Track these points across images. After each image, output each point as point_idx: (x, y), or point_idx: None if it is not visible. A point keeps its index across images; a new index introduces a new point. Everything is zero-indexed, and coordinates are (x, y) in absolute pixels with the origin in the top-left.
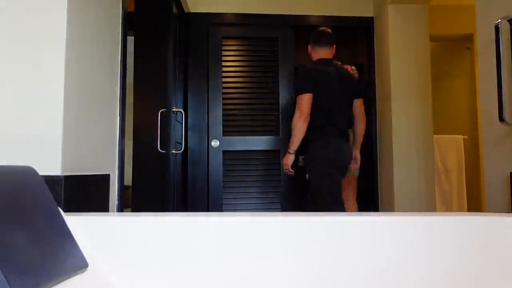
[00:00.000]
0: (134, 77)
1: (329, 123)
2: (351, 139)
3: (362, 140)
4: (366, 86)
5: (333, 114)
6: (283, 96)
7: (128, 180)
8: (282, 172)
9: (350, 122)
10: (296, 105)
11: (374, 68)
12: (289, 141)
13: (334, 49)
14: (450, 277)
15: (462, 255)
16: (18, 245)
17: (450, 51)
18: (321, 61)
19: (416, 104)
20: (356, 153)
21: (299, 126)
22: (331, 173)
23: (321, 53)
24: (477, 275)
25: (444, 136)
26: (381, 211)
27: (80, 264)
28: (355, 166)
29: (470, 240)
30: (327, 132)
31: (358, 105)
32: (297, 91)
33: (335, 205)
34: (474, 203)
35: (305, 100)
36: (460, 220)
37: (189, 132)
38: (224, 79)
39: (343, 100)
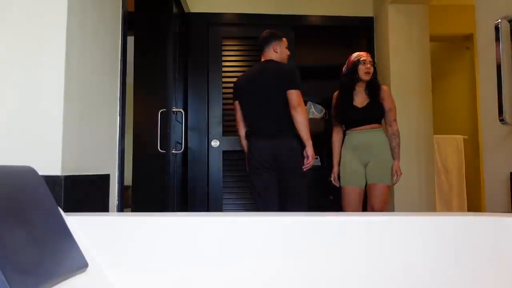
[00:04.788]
0: (134, 77)
1: (251, 125)
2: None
3: (305, 131)
4: None
5: (254, 116)
6: None
7: (128, 180)
8: None
9: (280, 118)
10: None
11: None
12: None
13: (272, 49)
14: (450, 277)
15: (462, 255)
16: (18, 245)
17: (450, 51)
18: (257, 64)
19: (416, 104)
20: (306, 149)
21: (237, 129)
22: (255, 173)
23: (264, 56)
24: (477, 274)
25: (444, 136)
26: None
27: (80, 264)
28: (306, 163)
29: (470, 240)
30: (250, 135)
31: (288, 97)
32: None
33: (258, 201)
34: (474, 203)
35: (235, 107)
36: (460, 220)
37: (189, 132)
38: (224, 79)
39: (267, 98)
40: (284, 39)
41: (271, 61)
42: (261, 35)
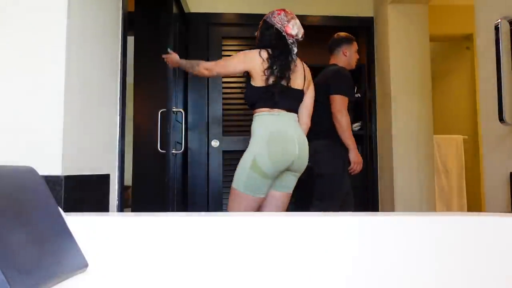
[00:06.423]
0: (134, 77)
1: None
2: None
3: (344, 136)
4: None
5: None
6: None
7: (128, 180)
8: None
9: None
10: None
11: (374, 68)
12: None
13: (342, 52)
14: (450, 277)
15: (462, 255)
16: (18, 245)
17: (450, 51)
18: None
19: (416, 104)
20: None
21: None
22: None
23: (331, 59)
24: (477, 275)
25: (444, 136)
26: (381, 211)
27: (80, 264)
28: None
29: (470, 240)
30: None
31: (331, 102)
32: None
33: None
34: (474, 203)
35: None
36: (460, 220)
37: (189, 132)
38: (224, 79)
39: (316, 102)
40: (354, 42)
41: (332, 65)
42: (333, 37)
